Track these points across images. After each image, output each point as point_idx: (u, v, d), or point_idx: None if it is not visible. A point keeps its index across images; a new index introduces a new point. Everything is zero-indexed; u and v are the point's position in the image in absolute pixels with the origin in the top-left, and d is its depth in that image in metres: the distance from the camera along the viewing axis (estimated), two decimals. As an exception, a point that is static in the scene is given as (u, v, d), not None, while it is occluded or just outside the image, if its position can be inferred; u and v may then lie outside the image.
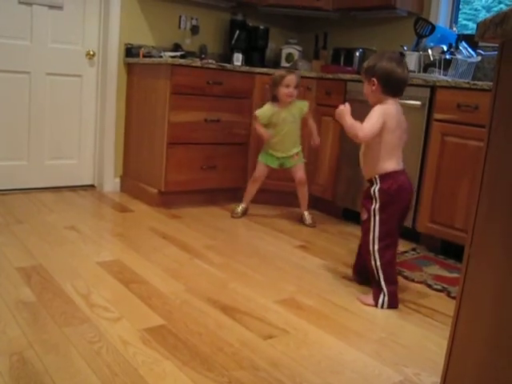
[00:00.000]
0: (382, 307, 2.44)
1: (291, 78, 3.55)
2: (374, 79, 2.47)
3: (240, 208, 3.82)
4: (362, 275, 2.66)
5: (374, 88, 2.49)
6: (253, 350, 1.96)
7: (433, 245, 3.34)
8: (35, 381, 1.65)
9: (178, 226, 3.46)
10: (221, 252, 3.01)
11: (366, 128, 2.42)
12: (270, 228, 3.57)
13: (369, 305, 2.47)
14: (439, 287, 2.72)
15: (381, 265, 2.45)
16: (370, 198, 2.49)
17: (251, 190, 3.82)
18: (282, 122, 3.63)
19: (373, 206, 2.47)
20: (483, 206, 1.07)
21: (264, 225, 3.65)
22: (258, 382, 1.75)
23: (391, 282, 2.47)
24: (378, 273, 2.46)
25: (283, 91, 3.56)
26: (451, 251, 3.23)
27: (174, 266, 2.74)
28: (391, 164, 2.48)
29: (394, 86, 2.48)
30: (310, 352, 1.99)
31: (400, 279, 2.81)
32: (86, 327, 2.02)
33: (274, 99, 3.64)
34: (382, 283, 2.45)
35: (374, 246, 2.46)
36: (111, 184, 4.32)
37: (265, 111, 3.66)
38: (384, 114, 2.44)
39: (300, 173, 3.73)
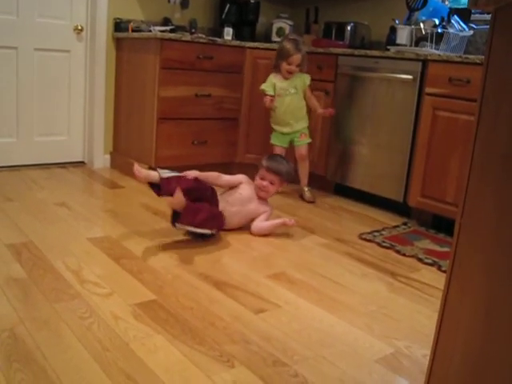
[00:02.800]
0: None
1: (296, 58, 3.54)
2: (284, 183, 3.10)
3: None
4: None
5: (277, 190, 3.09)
6: (244, 324, 1.97)
7: (424, 219, 3.35)
8: (26, 357, 1.65)
9: (169, 202, 3.44)
10: (212, 228, 3.00)
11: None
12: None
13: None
14: (430, 261, 2.73)
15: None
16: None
17: None
18: (284, 93, 3.62)
19: None
20: (474, 177, 1.07)
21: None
22: (249, 356, 1.76)
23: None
24: None
25: (285, 67, 3.58)
26: (442, 226, 3.24)
27: (165, 242, 2.73)
28: None
29: None
30: (301, 325, 2.00)
31: (391, 253, 2.82)
32: (77, 303, 2.02)
33: (276, 69, 3.65)
34: None
35: None
36: (101, 160, 4.29)
37: (269, 82, 3.66)
38: None
39: (303, 149, 3.74)
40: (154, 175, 2.73)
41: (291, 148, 3.79)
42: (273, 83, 3.64)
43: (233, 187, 3.02)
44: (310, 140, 3.77)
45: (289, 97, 3.64)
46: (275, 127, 3.76)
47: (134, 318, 1.94)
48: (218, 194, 2.92)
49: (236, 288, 2.27)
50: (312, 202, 3.72)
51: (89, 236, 2.73)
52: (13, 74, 3.88)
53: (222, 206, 2.87)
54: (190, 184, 2.71)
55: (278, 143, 3.76)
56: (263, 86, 3.66)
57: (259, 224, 2.96)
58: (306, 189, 3.78)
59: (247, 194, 2.98)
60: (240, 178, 3.06)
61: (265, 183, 3.02)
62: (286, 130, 3.71)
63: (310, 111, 3.78)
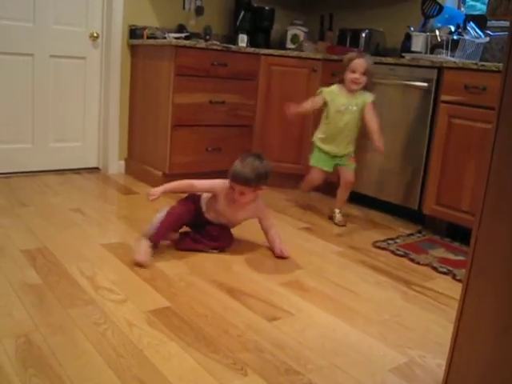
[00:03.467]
0: None
1: (359, 63, 3.20)
2: (265, 185, 2.67)
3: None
4: None
5: (260, 192, 2.69)
6: (258, 331, 1.97)
7: (439, 227, 3.33)
8: (41, 363, 1.66)
9: (182, 209, 3.45)
10: (226, 234, 3.00)
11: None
12: (273, 210, 3.54)
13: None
14: (445, 270, 2.71)
15: None
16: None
17: (307, 190, 3.67)
18: (345, 109, 3.27)
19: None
20: (492, 188, 1.06)
21: (267, 207, 3.64)
22: (262, 364, 1.76)
23: None
24: None
25: (348, 76, 3.22)
26: (457, 234, 3.22)
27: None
28: None
29: None
30: (315, 334, 1.99)
31: (405, 261, 2.81)
32: (92, 309, 2.03)
33: (341, 82, 3.31)
34: None
35: None
36: (116, 166, 4.31)
37: (330, 89, 3.34)
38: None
39: (349, 174, 3.37)
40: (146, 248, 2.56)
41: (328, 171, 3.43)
42: (334, 93, 3.31)
43: (213, 196, 2.75)
44: (355, 165, 3.42)
45: (349, 115, 3.27)
46: (322, 146, 3.36)
47: (148, 324, 1.95)
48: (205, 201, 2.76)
49: (249, 295, 2.26)
50: (343, 225, 3.38)
51: (103, 242, 2.74)
52: (29, 80, 3.92)
53: (211, 216, 2.74)
54: (184, 244, 2.72)
55: (321, 165, 3.38)
56: (322, 88, 3.37)
57: (278, 245, 2.75)
58: (337, 211, 3.44)
59: (226, 209, 2.71)
60: (215, 185, 2.71)
61: (235, 196, 2.62)
62: (335, 150, 3.33)
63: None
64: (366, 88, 3.28)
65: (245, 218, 2.78)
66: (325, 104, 3.33)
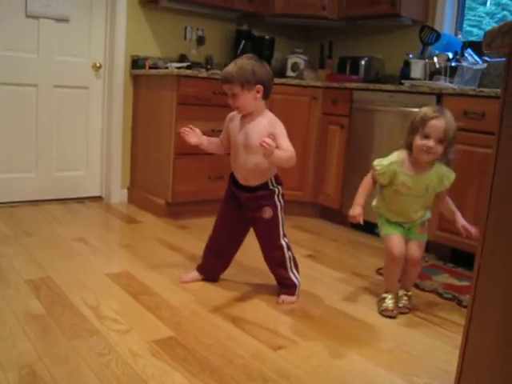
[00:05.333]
0: (298, 297, 2.57)
1: (437, 126, 2.28)
2: (260, 86, 2.38)
3: (390, 301, 2.49)
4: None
5: (258, 96, 2.40)
6: (262, 361, 1.96)
7: (442, 253, 3.32)
8: (45, 394, 1.65)
9: (185, 237, 3.46)
10: (229, 262, 3.01)
11: (291, 148, 2.40)
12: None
13: (293, 302, 2.53)
14: (450, 296, 2.70)
15: (293, 255, 2.60)
16: (271, 200, 2.54)
17: (395, 273, 2.52)
18: (406, 192, 2.40)
19: (279, 206, 2.56)
20: (494, 213, 1.07)
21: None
22: (268, 394, 1.75)
23: (298, 270, 2.62)
24: (291, 262, 2.58)
25: (418, 143, 2.32)
26: (460, 259, 3.21)
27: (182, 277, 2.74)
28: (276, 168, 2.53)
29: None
30: (320, 362, 1.98)
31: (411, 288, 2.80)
32: (96, 339, 2.02)
33: (408, 148, 2.41)
34: (295, 272, 2.60)
35: (285, 239, 2.59)
36: (118, 195, 4.33)
37: (387, 163, 2.41)
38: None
39: (417, 249, 2.48)
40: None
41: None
42: (392, 168, 2.40)
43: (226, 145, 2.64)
44: (426, 237, 2.55)
45: (409, 199, 2.41)
46: (385, 214, 2.53)
47: (152, 355, 1.94)
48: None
49: (254, 324, 2.26)
50: (406, 312, 2.50)
51: (107, 271, 2.74)
52: (33, 110, 3.96)
53: (236, 172, 2.61)
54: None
55: (395, 232, 2.48)
56: (377, 162, 2.44)
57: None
58: (404, 292, 2.58)
59: (238, 135, 2.50)
60: (225, 121, 2.64)
61: (229, 101, 2.44)
62: (401, 219, 2.49)
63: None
64: (444, 161, 2.41)
65: (259, 135, 2.36)
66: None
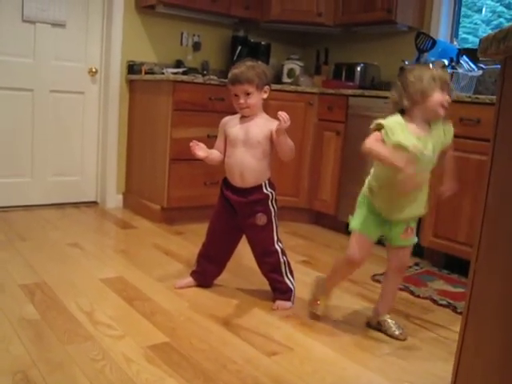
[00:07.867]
0: (293, 303, 2.56)
1: (447, 80, 2.06)
2: (268, 87, 2.48)
3: (320, 306, 2.41)
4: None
5: (265, 96, 2.49)
6: (257, 366, 1.95)
7: (436, 259, 3.33)
8: (39, 400, 1.64)
9: (180, 243, 3.45)
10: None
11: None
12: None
13: (288, 308, 2.52)
14: (445, 302, 2.70)
15: (287, 260, 2.60)
16: (265, 205, 2.52)
17: (343, 276, 2.40)
18: (421, 156, 2.02)
19: (273, 212, 2.55)
20: (489, 220, 1.07)
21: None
22: (262, 400, 1.74)
23: (293, 275, 2.62)
24: (286, 267, 2.58)
25: (439, 98, 2.02)
26: (455, 266, 3.22)
27: (177, 283, 2.73)
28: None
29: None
30: (314, 368, 1.97)
31: (405, 294, 2.80)
32: (90, 345, 2.01)
33: (404, 114, 2.10)
34: (290, 278, 2.59)
35: (279, 244, 2.59)
36: (114, 200, 4.32)
37: (394, 125, 2.05)
38: None
39: (406, 254, 2.27)
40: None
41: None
42: (399, 130, 2.04)
43: (225, 145, 2.60)
44: (416, 240, 2.29)
45: (423, 164, 2.06)
46: (374, 202, 2.20)
47: (146, 360, 1.93)
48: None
49: (248, 330, 2.25)
50: (403, 339, 2.25)
51: (101, 277, 2.74)
52: (28, 115, 3.96)
53: (229, 176, 2.57)
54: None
55: (367, 232, 2.21)
56: (385, 123, 2.05)
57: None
58: (388, 317, 2.31)
59: (239, 131, 2.50)
60: (219, 129, 2.64)
61: (241, 100, 2.43)
62: (391, 217, 2.19)
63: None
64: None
65: (260, 127, 2.45)
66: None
